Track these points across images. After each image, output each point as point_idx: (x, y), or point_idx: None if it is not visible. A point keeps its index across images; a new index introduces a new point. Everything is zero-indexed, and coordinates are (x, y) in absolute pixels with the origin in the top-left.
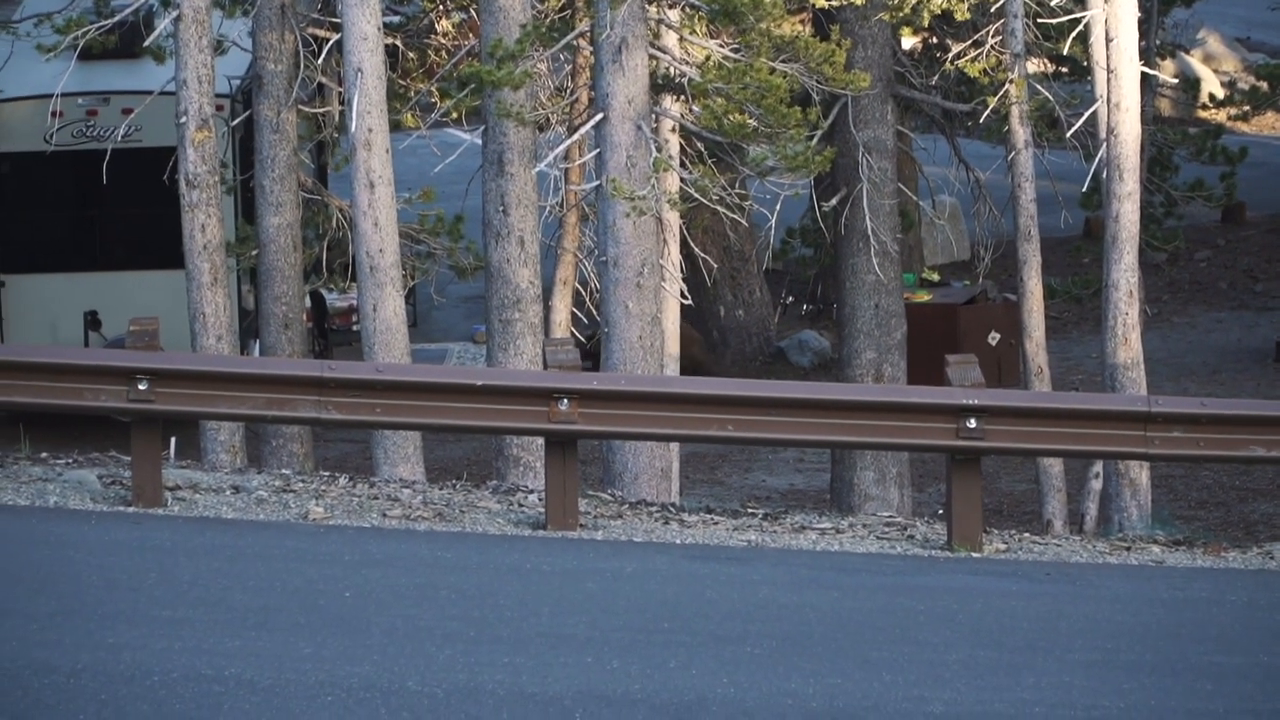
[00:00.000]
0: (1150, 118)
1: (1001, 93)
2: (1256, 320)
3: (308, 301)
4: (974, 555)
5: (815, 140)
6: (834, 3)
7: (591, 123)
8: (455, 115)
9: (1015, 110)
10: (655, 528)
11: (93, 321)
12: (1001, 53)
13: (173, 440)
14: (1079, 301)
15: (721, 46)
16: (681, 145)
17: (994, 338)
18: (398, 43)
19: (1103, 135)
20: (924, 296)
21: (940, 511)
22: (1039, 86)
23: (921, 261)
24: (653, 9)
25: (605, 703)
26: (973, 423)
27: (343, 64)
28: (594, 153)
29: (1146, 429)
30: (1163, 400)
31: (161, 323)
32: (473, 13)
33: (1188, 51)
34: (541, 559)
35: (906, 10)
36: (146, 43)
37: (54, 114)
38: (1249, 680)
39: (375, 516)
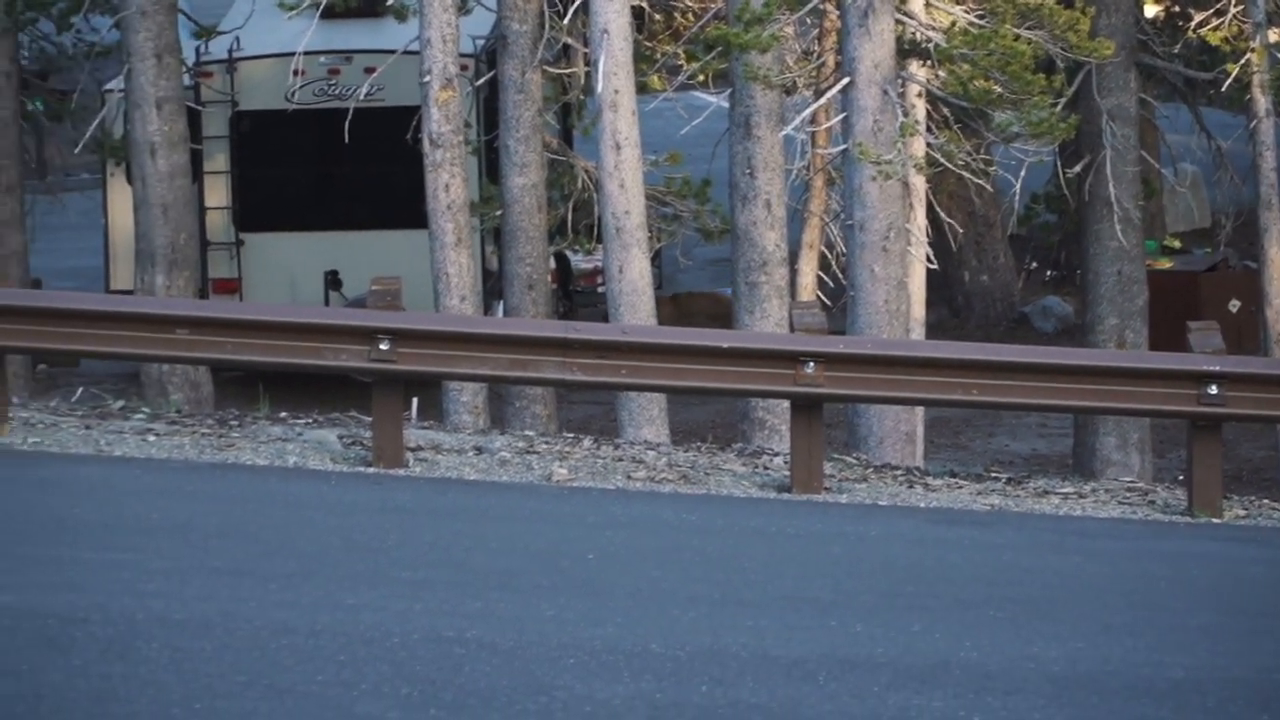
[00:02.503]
0: None
1: (1243, 61)
2: None
3: (552, 263)
4: (1214, 521)
5: (1059, 107)
6: None
7: (838, 86)
8: (702, 78)
9: (1256, 79)
10: (900, 491)
11: (333, 281)
12: (1243, 21)
13: (414, 401)
14: None
15: (967, 13)
16: (927, 110)
17: (1234, 305)
18: (644, 4)
19: None
20: (1166, 263)
21: (1181, 477)
22: None
23: (1163, 229)
24: None
25: (849, 666)
26: (1214, 389)
27: (589, 24)
28: (840, 116)
29: None
30: None
31: (404, 283)
32: None
33: None
34: (786, 522)
35: None
36: (389, 1)
37: (296, 72)
38: None
39: (619, 479)
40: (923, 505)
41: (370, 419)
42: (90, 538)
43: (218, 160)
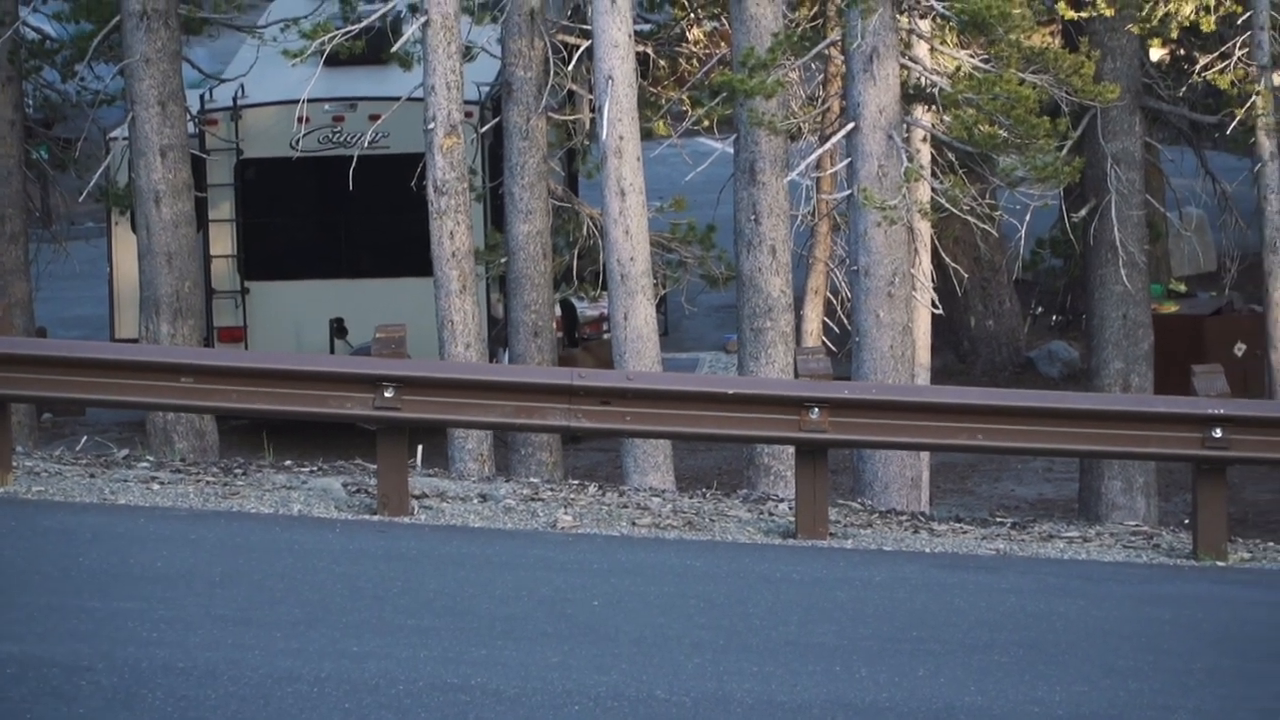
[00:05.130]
0: None
1: (1248, 105)
2: None
3: (558, 309)
4: (1219, 564)
5: (1064, 151)
6: (1082, 14)
7: (843, 132)
8: (706, 123)
9: (1261, 122)
10: (905, 536)
11: (339, 329)
12: (1248, 65)
13: (419, 448)
14: None
15: (971, 57)
16: (932, 155)
17: (1240, 348)
18: (648, 50)
19: None
20: (1171, 307)
21: (1186, 521)
22: None
23: (1169, 272)
24: (903, 19)
25: (854, 711)
26: (1218, 432)
27: (593, 71)
28: (845, 162)
29: None
30: None
31: (408, 330)
32: (724, 21)
33: None
34: (791, 567)
35: (1154, 22)
36: (394, 49)
37: (300, 119)
38: None
39: (624, 525)
40: (928, 550)
41: (375, 466)
42: (94, 586)
43: (222, 208)
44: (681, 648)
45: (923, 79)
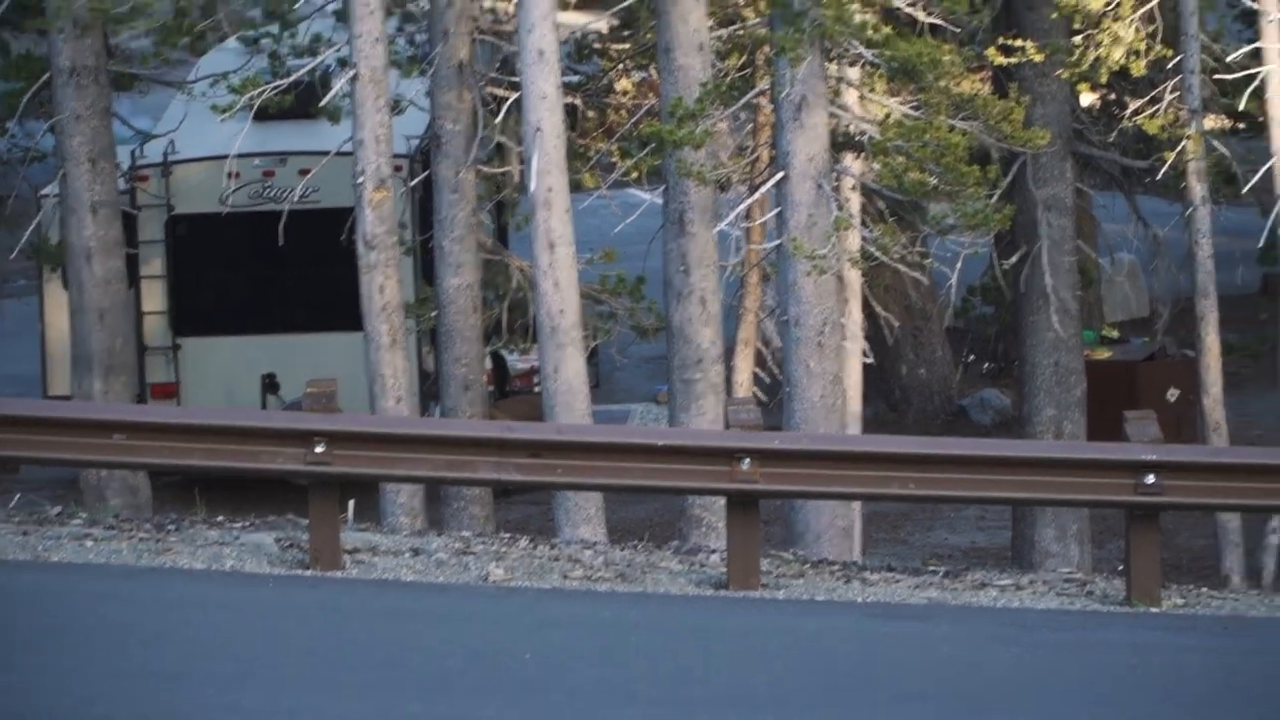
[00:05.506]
0: None
1: (1179, 149)
2: None
3: (489, 363)
4: (1153, 610)
5: (995, 198)
6: (1012, 60)
7: (772, 181)
8: (636, 175)
9: (1192, 166)
10: (837, 586)
11: (270, 384)
12: (1179, 109)
13: (350, 503)
14: (1256, 357)
15: (901, 104)
16: (862, 203)
17: (1173, 394)
18: (577, 102)
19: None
20: (1104, 354)
21: (1120, 567)
22: (1216, 143)
23: (1101, 318)
24: (832, 67)
25: None
26: (1151, 478)
27: (522, 123)
28: (775, 211)
29: None
30: None
31: (340, 385)
32: (652, 72)
33: None
34: (724, 619)
35: (1085, 67)
36: (323, 103)
37: (230, 175)
38: None
39: (556, 578)
40: (860, 600)
41: (307, 522)
42: (28, 644)
43: (154, 264)
44: (615, 700)
45: (852, 126)
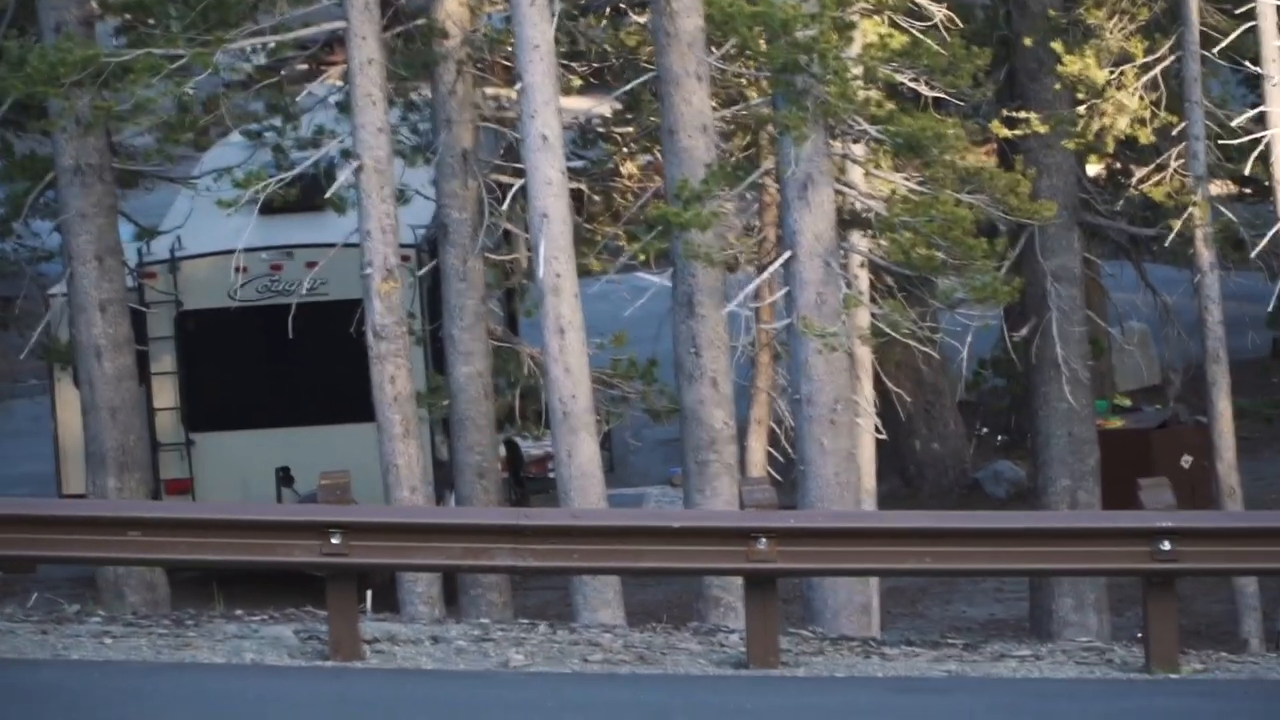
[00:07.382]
0: None
1: (1186, 216)
2: None
3: (502, 450)
4: (1172, 677)
5: (1003, 270)
6: (1017, 132)
7: (780, 260)
8: (643, 258)
9: (1200, 233)
10: (856, 662)
11: (285, 477)
12: (1185, 175)
13: (369, 593)
14: (1269, 421)
15: (906, 180)
16: (870, 280)
17: (1187, 460)
18: (582, 187)
19: None
20: (1116, 423)
21: (1138, 635)
22: (1222, 208)
23: (1113, 387)
24: (837, 145)
25: None
26: (1166, 545)
27: (528, 210)
28: (784, 290)
29: None
30: None
31: (354, 476)
32: (656, 154)
33: None
34: (745, 698)
35: (1090, 137)
36: (328, 194)
37: (238, 269)
38: None
39: (576, 662)
40: (880, 675)
41: (325, 613)
42: None
43: (164, 361)
44: None
45: (858, 203)
